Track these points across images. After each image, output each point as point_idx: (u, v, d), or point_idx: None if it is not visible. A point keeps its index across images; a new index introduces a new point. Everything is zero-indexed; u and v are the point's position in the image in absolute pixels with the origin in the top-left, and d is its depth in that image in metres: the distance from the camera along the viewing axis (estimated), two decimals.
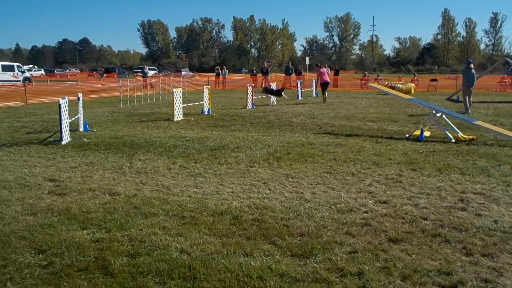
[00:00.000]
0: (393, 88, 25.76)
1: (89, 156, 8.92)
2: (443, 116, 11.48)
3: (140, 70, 48.87)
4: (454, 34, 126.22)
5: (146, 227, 4.97)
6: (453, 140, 10.42)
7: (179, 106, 15.25)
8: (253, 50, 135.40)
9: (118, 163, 8.28)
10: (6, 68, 38.66)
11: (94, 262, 4.14)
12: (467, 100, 17.83)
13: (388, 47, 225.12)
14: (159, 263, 4.08)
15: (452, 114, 11.82)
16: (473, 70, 18.22)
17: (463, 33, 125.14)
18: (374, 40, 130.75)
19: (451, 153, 9.07)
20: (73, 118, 11.88)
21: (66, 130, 10.59)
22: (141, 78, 33.43)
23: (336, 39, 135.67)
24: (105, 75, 54.83)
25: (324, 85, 23.25)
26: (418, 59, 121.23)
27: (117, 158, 8.73)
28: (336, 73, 40.78)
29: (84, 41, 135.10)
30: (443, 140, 10.53)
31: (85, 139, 10.84)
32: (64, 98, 10.74)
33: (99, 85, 33.57)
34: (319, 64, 25.47)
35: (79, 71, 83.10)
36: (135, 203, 5.84)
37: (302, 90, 26.74)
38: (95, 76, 54.94)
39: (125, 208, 5.62)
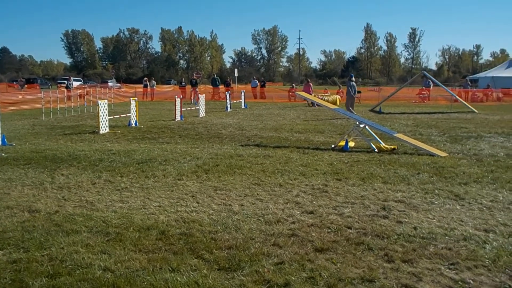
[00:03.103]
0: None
1: (7, 172, 8.47)
2: (366, 127, 11.90)
3: (64, 81, 47.21)
4: (376, 48, 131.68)
5: (67, 245, 4.77)
6: (376, 150, 10.83)
7: (105, 118, 14.86)
8: (181, 61, 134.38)
9: (38, 179, 7.91)
10: None
11: (10, 284, 3.91)
12: (351, 107, 21.07)
13: (315, 59, 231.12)
14: (81, 283, 3.92)
15: (374, 126, 12.28)
16: (354, 83, 22.00)
17: (385, 47, 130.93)
18: (301, 53, 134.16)
19: (374, 163, 9.41)
20: None
21: None
22: (65, 90, 32.26)
23: (264, 51, 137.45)
24: (26, 86, 52.42)
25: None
26: (343, 71, 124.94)
27: (38, 173, 8.35)
28: (263, 85, 41.30)
29: (3, 50, 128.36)
30: (366, 150, 10.92)
31: (3, 154, 10.28)
32: None
33: (20, 97, 32.02)
34: (308, 80, 35.51)
35: None
36: (56, 221, 5.59)
37: (231, 102, 26.85)
38: (15, 87, 52.32)
39: (45, 226, 5.37)
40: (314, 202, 6.52)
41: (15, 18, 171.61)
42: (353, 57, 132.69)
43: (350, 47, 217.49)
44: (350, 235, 5.13)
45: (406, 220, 5.69)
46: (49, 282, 3.93)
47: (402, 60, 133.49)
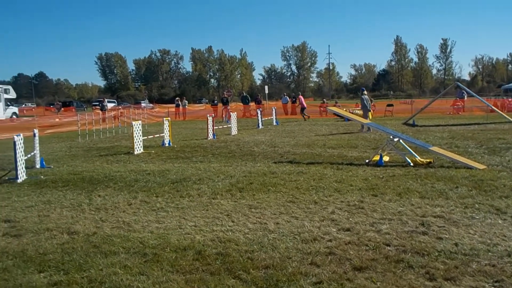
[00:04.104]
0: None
1: (46, 194, 8.66)
2: (401, 140, 11.72)
3: (98, 103, 48.40)
4: (407, 60, 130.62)
5: (106, 267, 4.82)
6: (411, 164, 10.64)
7: (139, 138, 15.08)
8: (212, 80, 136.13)
9: (76, 200, 8.06)
10: None
11: None
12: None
13: (345, 74, 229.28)
14: None
15: (408, 139, 12.09)
16: (366, 96, 22.64)
17: (416, 59, 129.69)
18: (331, 67, 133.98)
19: (410, 177, 9.24)
20: (29, 155, 11.56)
21: (22, 168, 10.29)
22: (99, 111, 32.99)
23: (293, 67, 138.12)
24: (62, 109, 53.86)
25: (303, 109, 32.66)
26: (374, 85, 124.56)
27: (76, 195, 8.51)
28: (294, 101, 41.31)
29: (40, 75, 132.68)
30: (402, 164, 10.73)
31: (42, 176, 10.53)
32: (19, 135, 10.46)
33: (57, 120, 32.92)
34: (299, 93, 39.07)
35: (35, 105, 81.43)
36: (94, 242, 5.67)
37: (263, 119, 26.92)
38: (52, 111, 53.87)
39: (84, 248, 5.45)
40: (350, 219, 6.43)
41: (51, 43, 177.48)
42: (383, 70, 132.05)
43: (381, 60, 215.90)
44: (389, 252, 5.03)
45: (447, 236, 5.54)
46: None
47: (434, 71, 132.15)
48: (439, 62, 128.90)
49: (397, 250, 5.09)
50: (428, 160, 10.91)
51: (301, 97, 34.40)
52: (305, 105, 33.32)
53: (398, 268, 4.58)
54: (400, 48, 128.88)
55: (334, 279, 4.36)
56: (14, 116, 39.83)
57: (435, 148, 11.57)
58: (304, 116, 32.33)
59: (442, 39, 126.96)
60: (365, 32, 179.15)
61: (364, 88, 24.55)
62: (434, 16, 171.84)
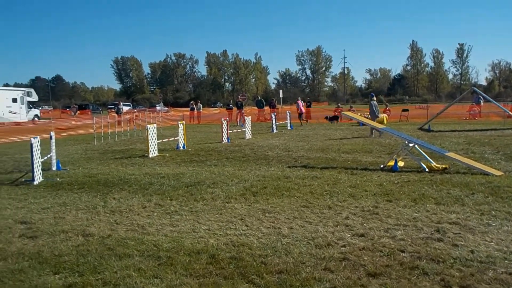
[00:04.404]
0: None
1: (62, 196, 8.75)
2: (416, 146, 11.64)
3: (114, 107, 48.86)
4: (422, 65, 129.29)
5: (120, 269, 4.85)
6: (426, 170, 10.55)
7: (154, 142, 15.16)
8: (227, 84, 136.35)
9: (91, 203, 8.13)
10: None
11: None
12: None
13: (360, 78, 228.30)
14: None
15: (424, 144, 12.00)
16: (375, 102, 22.21)
17: (431, 64, 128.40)
18: (346, 72, 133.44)
19: (426, 183, 9.16)
20: (46, 157, 11.69)
21: (38, 170, 10.40)
22: (115, 114, 33.27)
23: (308, 71, 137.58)
24: (78, 112, 54.41)
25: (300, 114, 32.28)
26: (389, 89, 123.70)
27: (91, 197, 8.58)
28: (308, 105, 41.29)
29: (57, 78, 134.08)
30: (417, 170, 10.65)
31: (58, 179, 10.64)
32: (36, 137, 10.59)
33: (73, 122, 33.28)
34: (299, 98, 36.99)
35: (52, 108, 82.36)
36: (109, 244, 5.71)
37: (277, 123, 26.90)
38: (69, 113, 54.48)
39: (99, 250, 5.49)
40: (364, 224, 6.40)
41: (68, 47, 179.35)
42: (399, 74, 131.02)
43: (396, 64, 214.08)
44: (403, 259, 4.99)
45: (462, 243, 5.48)
46: None
47: (450, 76, 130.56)
48: (455, 67, 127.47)
49: (412, 257, 5.05)
50: (443, 166, 10.82)
51: (300, 102, 34.13)
52: (303, 110, 33.14)
53: (413, 275, 4.54)
54: (415, 52, 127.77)
55: (348, 285, 4.34)
56: (36, 118, 40.61)
57: (451, 154, 11.46)
58: (302, 121, 32.16)
59: (459, 43, 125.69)
60: (381, 37, 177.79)
61: (373, 94, 24.20)
62: (451, 21, 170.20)
